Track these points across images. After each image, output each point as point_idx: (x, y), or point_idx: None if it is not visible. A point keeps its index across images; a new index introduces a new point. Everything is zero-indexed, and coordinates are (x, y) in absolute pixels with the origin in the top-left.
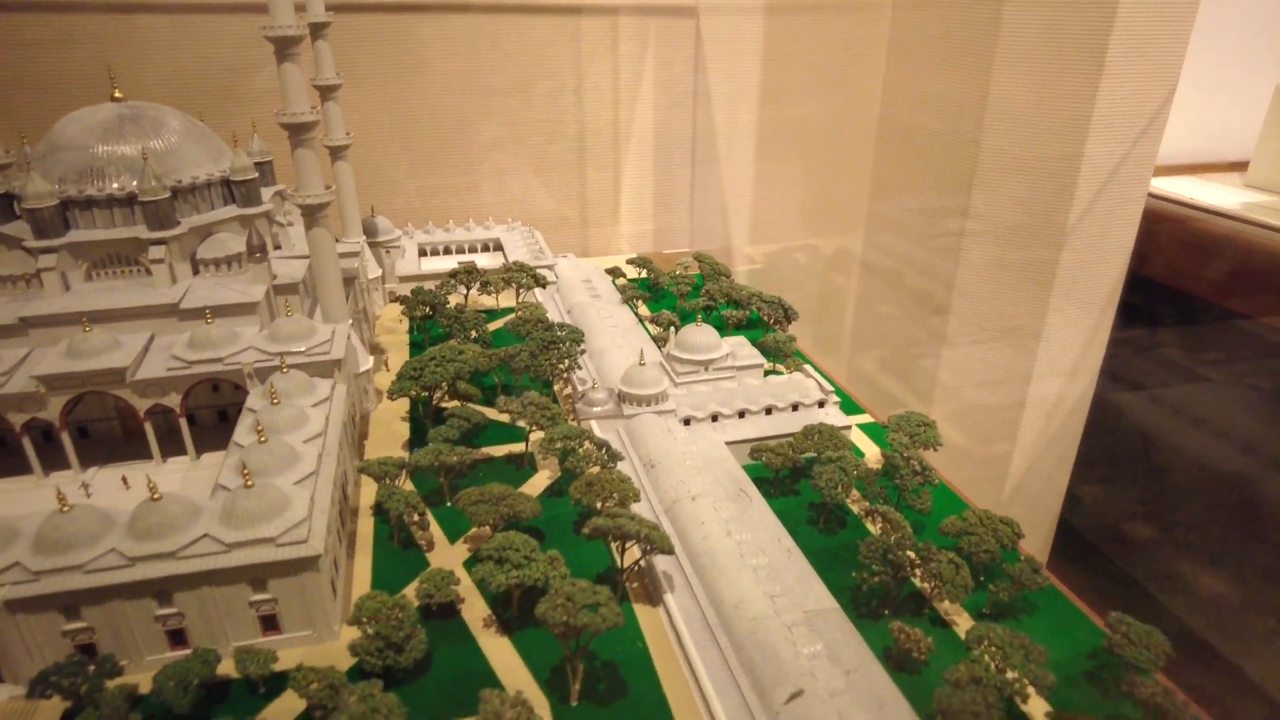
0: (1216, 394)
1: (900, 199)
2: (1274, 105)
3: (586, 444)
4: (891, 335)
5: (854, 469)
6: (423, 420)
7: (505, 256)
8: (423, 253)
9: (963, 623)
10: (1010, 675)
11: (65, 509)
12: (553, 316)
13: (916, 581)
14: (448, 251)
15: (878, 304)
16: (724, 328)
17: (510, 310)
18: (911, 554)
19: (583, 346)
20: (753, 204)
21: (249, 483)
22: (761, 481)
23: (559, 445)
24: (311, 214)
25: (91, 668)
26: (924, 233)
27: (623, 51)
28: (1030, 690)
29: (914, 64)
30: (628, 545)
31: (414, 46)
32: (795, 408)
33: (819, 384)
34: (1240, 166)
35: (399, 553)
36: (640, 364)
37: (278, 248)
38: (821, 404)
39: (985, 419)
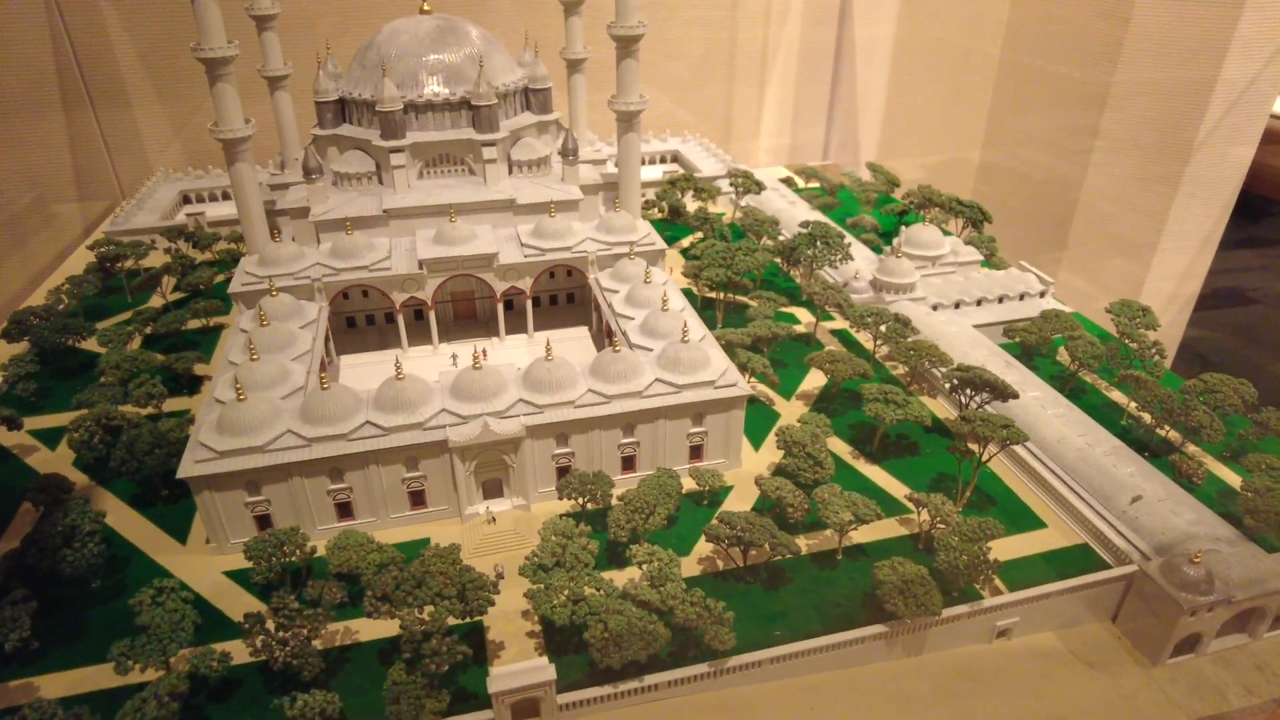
0: None
1: (1029, 118)
2: None
3: (893, 320)
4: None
5: (1092, 345)
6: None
7: (684, 167)
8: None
9: (1208, 463)
10: None
11: (325, 387)
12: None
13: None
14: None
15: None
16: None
17: (720, 215)
18: (1173, 405)
19: (847, 239)
20: (884, 119)
21: (685, 338)
22: (1020, 356)
23: (868, 320)
24: (628, 120)
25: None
26: (1061, 146)
27: None
28: None
29: None
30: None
31: None
32: (1021, 297)
33: (1038, 276)
34: None
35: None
36: (895, 254)
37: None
38: (1043, 294)
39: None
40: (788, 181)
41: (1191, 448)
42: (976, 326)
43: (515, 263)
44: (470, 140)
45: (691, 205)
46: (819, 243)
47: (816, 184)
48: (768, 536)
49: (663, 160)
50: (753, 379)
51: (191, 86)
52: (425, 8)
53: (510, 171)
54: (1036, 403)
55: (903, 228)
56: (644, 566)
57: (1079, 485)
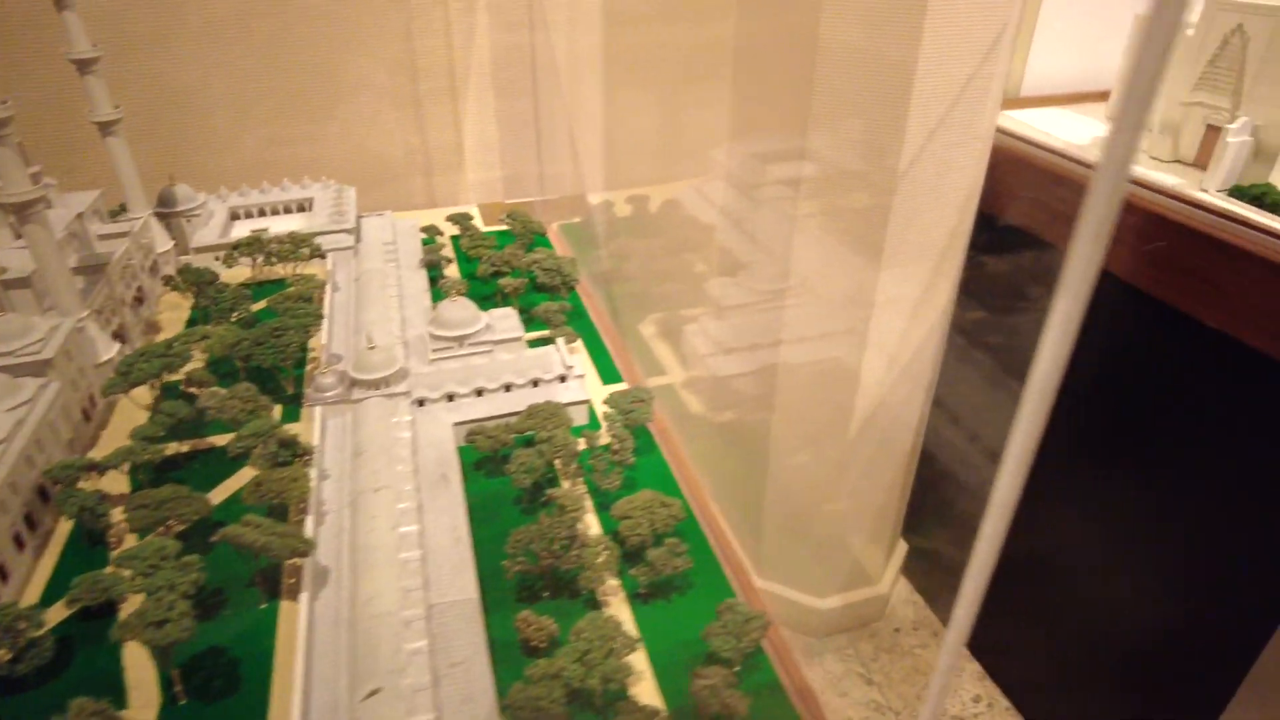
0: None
1: (738, 145)
2: (1133, 37)
3: (272, 442)
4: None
5: (561, 448)
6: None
7: (314, 218)
8: (235, 216)
9: (616, 604)
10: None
11: None
12: (342, 285)
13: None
14: (262, 214)
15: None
16: (505, 297)
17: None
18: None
19: (314, 331)
20: (604, 146)
21: None
22: (485, 461)
23: (241, 445)
24: (20, 212)
25: None
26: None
27: None
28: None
29: None
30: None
31: None
32: (535, 383)
33: (561, 358)
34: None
35: (86, 552)
36: (369, 347)
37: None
38: (563, 379)
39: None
40: (429, 230)
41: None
42: (460, 424)
43: None
44: None
45: (285, 269)
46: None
47: (505, 226)
48: None
49: (301, 209)
50: None
51: None
52: None
53: None
54: (395, 544)
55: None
56: None
57: (339, 669)
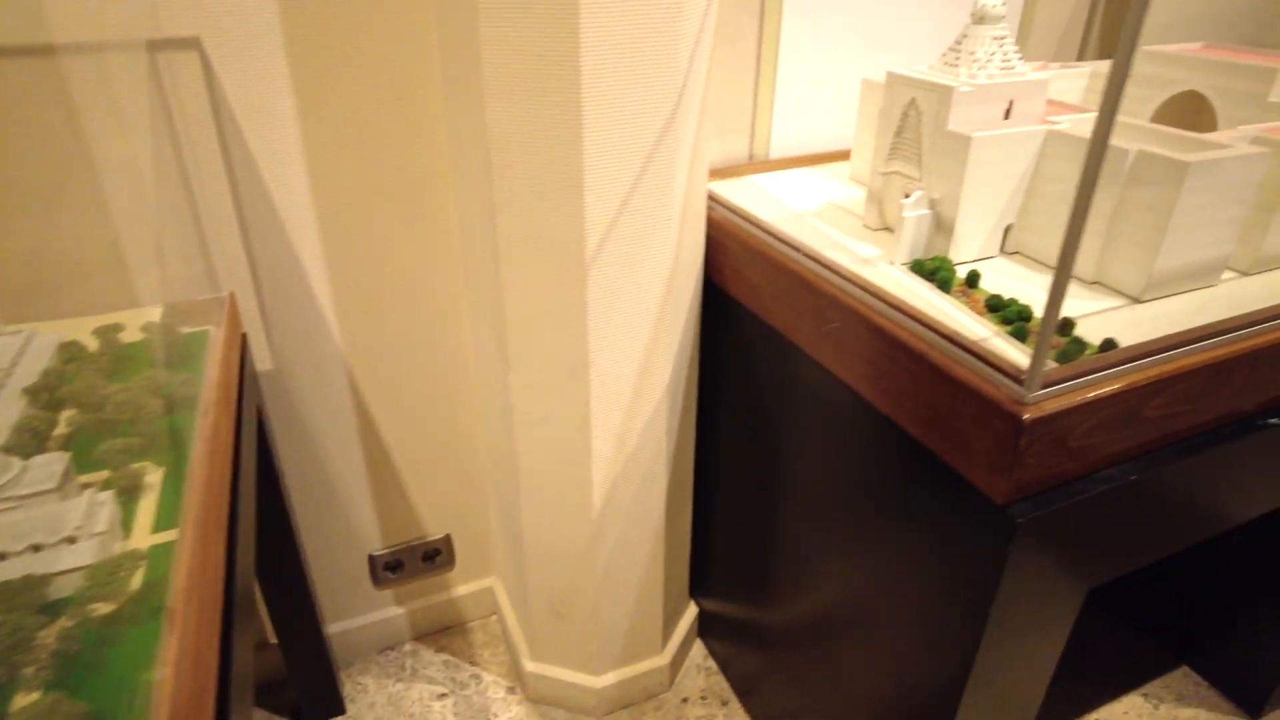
0: None
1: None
2: (862, 99)
3: None
4: None
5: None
6: None
7: None
8: None
9: None
10: None
11: None
12: None
13: None
14: None
15: None
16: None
17: None
18: None
19: None
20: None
21: None
22: None
23: None
24: None
25: None
26: None
27: None
28: None
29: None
30: None
31: None
32: (37, 549)
33: (84, 513)
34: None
35: None
36: None
37: None
38: (72, 540)
39: None
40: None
41: None
42: None
43: None
44: None
45: None
46: None
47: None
48: None
49: None
50: None
51: None
52: None
53: None
54: None
55: None
56: None
57: None
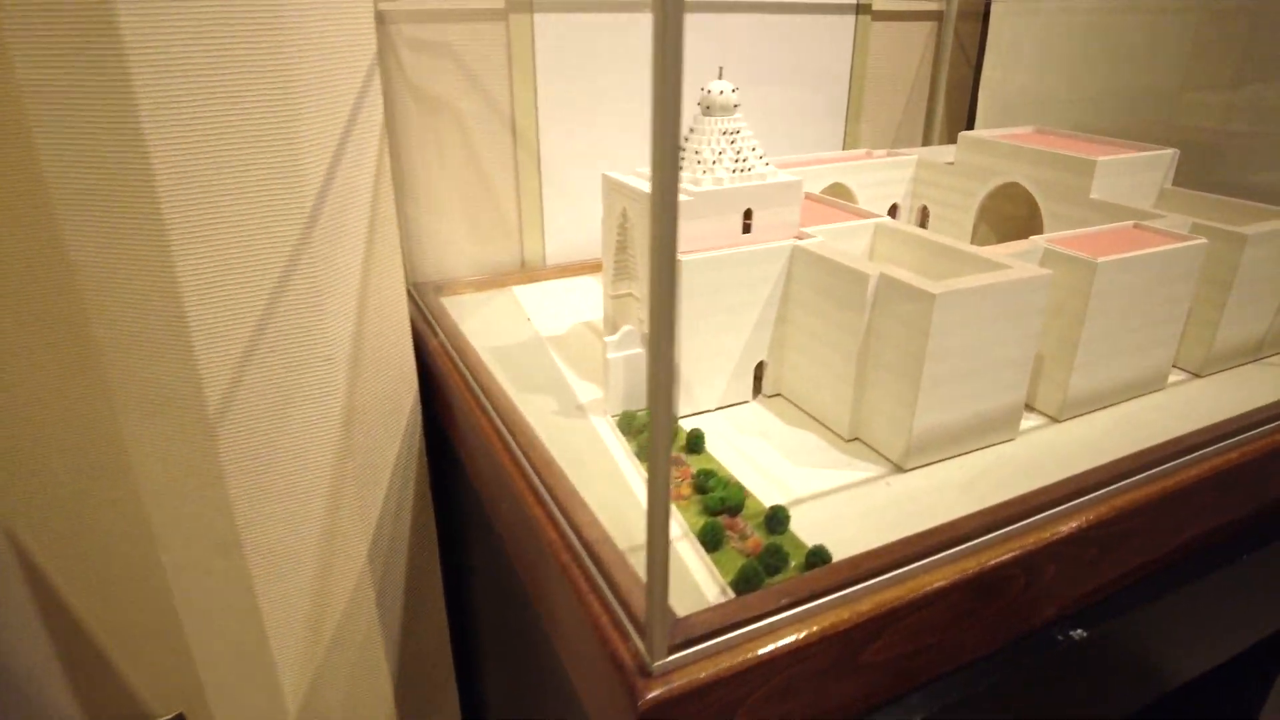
0: None
1: None
2: (604, 197)
3: None
4: None
5: None
6: None
7: None
8: None
9: None
10: None
11: None
12: None
13: None
14: None
15: None
16: None
17: None
18: None
19: None
20: None
21: None
22: None
23: None
24: None
25: None
26: None
27: None
28: None
29: None
30: None
31: None
32: None
33: None
34: None
35: None
36: None
37: None
38: None
39: None
40: None
41: None
42: None
43: None
44: None
45: None
46: None
47: None
48: None
49: None
50: None
51: None
52: None
53: None
54: None
55: None
56: None
57: None
